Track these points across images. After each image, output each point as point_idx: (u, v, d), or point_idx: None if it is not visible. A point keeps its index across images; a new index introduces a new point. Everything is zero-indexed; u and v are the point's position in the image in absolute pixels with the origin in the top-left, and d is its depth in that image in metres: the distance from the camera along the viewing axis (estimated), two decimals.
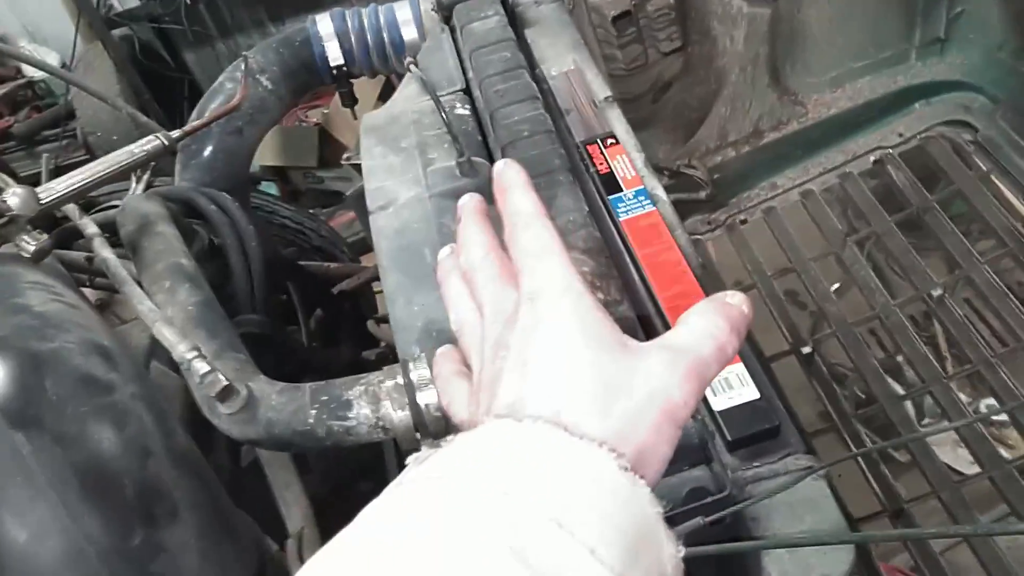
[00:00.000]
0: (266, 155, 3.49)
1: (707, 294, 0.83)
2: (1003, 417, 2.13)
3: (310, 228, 2.27)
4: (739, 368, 0.77)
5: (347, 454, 1.22)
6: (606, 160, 0.99)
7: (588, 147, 1.01)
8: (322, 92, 3.69)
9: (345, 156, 3.02)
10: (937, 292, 1.71)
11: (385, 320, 1.78)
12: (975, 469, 1.57)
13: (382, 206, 0.95)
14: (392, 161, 1.01)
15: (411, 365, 0.74)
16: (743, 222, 2.01)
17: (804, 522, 0.70)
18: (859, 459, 1.59)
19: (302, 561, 0.86)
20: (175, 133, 0.97)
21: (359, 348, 1.54)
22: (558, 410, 0.41)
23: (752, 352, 0.79)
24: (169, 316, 0.79)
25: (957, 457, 2.07)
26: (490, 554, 0.34)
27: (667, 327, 0.82)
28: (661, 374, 0.44)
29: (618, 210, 0.93)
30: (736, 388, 0.76)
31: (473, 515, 0.36)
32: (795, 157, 2.02)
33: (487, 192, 0.98)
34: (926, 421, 2.03)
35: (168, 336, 0.72)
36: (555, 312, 0.46)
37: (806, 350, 1.76)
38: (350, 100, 1.39)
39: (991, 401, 2.03)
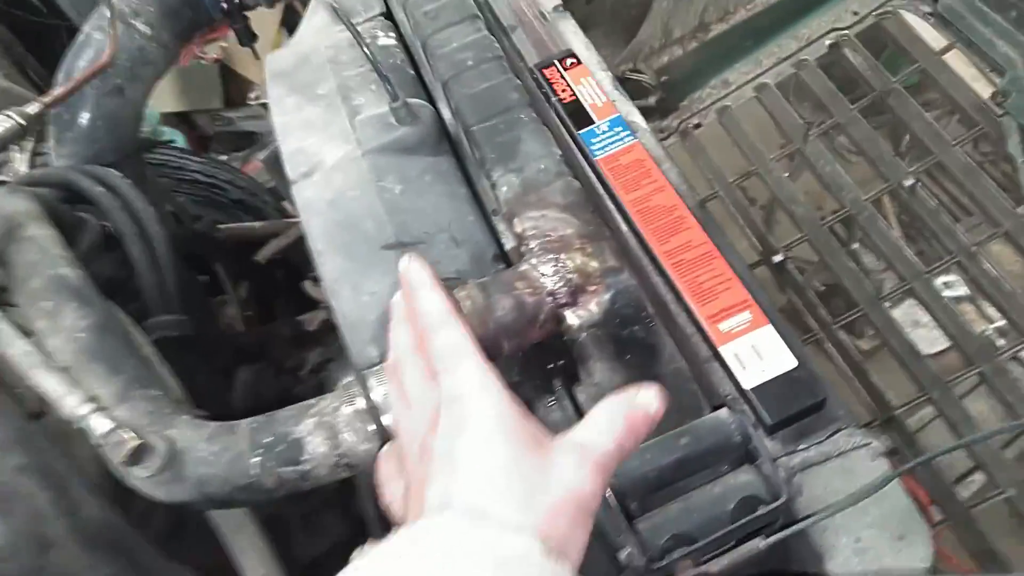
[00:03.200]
0: (165, 101, 3.20)
1: (717, 244, 0.70)
2: (960, 292, 2.09)
3: (225, 180, 2.06)
4: (767, 331, 0.64)
5: None
6: (569, 86, 0.83)
7: (544, 71, 0.85)
8: (217, 24, 3.38)
9: (253, 95, 2.76)
10: (909, 182, 1.60)
11: None
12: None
13: (305, 173, 0.78)
14: (310, 114, 0.82)
15: (372, 380, 0.59)
16: (697, 126, 1.86)
17: (868, 514, 0.59)
18: (848, 366, 1.51)
19: None
20: (33, 107, 0.77)
21: (298, 320, 1.37)
22: (485, 507, 0.45)
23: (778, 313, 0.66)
24: (53, 351, 0.62)
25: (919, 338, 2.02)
26: None
27: (673, 290, 0.68)
28: (572, 470, 0.48)
29: (592, 147, 0.78)
30: (767, 358, 0.63)
31: None
32: (746, 48, 1.87)
33: (430, 142, 0.82)
34: (886, 305, 1.97)
35: (52, 387, 0.55)
36: (474, 415, 0.49)
37: (777, 259, 1.65)
38: (248, 37, 1.18)
39: (949, 278, 1.96)
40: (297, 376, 1.16)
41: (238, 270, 1.36)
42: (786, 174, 1.72)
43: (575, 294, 0.62)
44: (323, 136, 0.80)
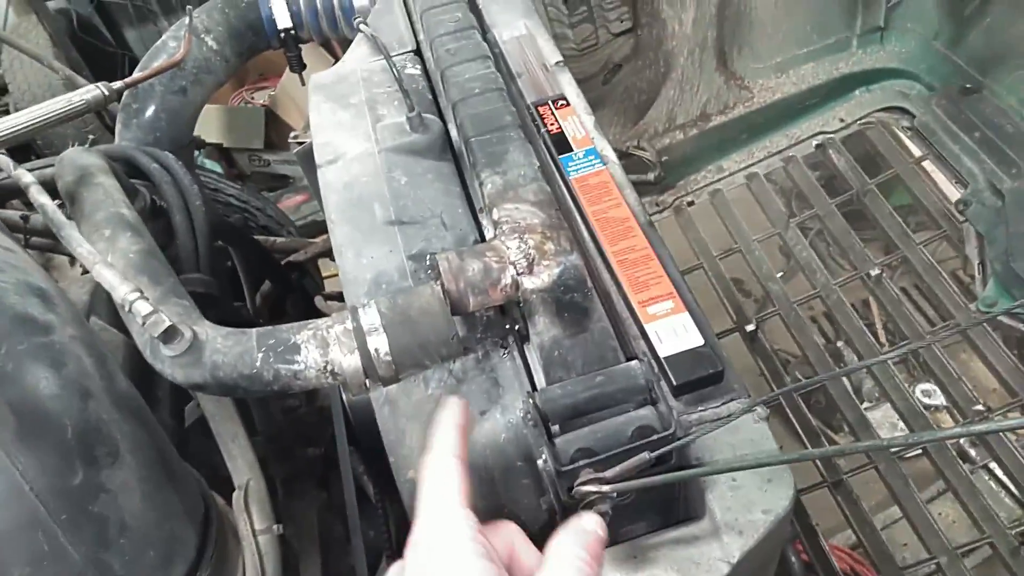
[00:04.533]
0: (211, 135, 3.42)
1: (655, 250, 0.85)
2: (938, 402, 2.21)
3: (256, 207, 2.23)
4: (684, 317, 0.78)
5: (293, 420, 1.21)
6: (557, 121, 1.00)
7: (539, 108, 1.02)
8: (269, 73, 3.63)
9: (292, 135, 2.98)
10: (875, 272, 1.75)
11: (334, 297, 1.76)
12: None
13: (330, 160, 0.95)
14: (341, 117, 1.00)
15: (361, 311, 0.74)
16: (690, 204, 2.04)
17: (744, 459, 0.72)
18: (802, 434, 1.63)
19: (249, 512, 0.85)
20: (116, 84, 0.94)
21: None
22: None
23: (699, 307, 0.81)
24: (110, 262, 0.77)
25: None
26: None
27: (616, 281, 0.83)
28: None
29: (568, 169, 0.94)
30: (681, 335, 0.77)
31: None
32: (741, 140, 2.06)
33: (436, 148, 0.99)
34: (864, 405, 2.10)
35: (108, 278, 0.70)
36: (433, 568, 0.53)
37: (750, 328, 1.79)
38: (298, 65, 1.37)
39: (927, 386, 2.11)
40: None
41: (256, 271, 1.51)
42: (765, 256, 1.88)
43: (532, 266, 0.76)
44: (349, 134, 0.97)
